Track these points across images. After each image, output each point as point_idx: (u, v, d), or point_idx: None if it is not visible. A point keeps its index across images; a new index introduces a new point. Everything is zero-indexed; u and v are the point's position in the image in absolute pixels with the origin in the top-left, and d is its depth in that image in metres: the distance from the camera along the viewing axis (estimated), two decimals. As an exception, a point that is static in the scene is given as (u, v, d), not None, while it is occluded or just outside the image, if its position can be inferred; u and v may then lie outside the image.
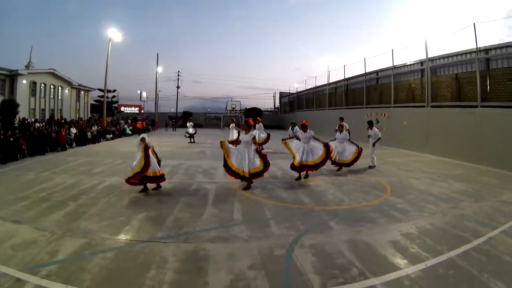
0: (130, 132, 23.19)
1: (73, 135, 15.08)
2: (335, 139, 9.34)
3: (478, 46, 12.22)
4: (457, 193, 6.70)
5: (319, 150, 7.62)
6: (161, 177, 6.48)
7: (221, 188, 6.86)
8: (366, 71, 20.39)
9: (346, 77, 23.07)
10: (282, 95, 43.21)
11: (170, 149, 13.75)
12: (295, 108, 35.20)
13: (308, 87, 31.30)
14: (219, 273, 3.11)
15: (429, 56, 14.86)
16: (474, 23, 12.00)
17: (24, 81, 22.94)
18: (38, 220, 4.55)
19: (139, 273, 3.07)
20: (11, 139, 10.54)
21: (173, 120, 34.72)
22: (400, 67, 17.37)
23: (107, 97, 26.93)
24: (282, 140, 8.00)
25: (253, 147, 6.87)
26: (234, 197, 6.08)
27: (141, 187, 6.33)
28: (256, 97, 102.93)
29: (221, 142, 6.80)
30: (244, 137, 6.82)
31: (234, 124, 15.21)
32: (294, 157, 7.65)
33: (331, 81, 25.71)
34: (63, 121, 19.04)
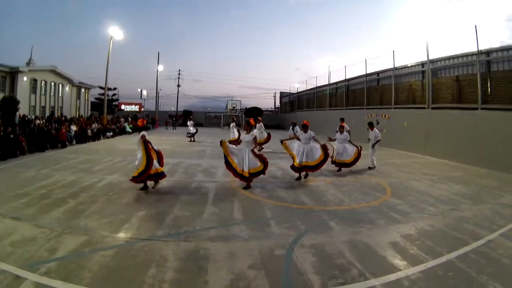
0: (130, 130, 23.18)
1: (73, 132, 15.07)
2: (335, 139, 9.36)
3: (479, 49, 12.21)
4: (457, 195, 6.70)
5: (318, 151, 7.63)
6: (162, 174, 6.50)
7: (221, 187, 6.87)
8: (367, 72, 20.39)
9: (346, 78, 23.06)
10: (282, 95, 43.19)
11: (170, 148, 13.74)
12: (296, 108, 35.19)
13: (309, 87, 31.33)
14: (219, 272, 3.11)
15: (430, 58, 14.86)
16: (475, 26, 12.02)
17: (25, 78, 22.91)
18: (37, 217, 4.55)
19: (139, 272, 3.06)
20: (11, 135, 10.53)
21: (174, 119, 34.71)
22: (401, 68, 17.36)
23: (108, 95, 26.89)
24: (281, 141, 7.99)
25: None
26: (234, 196, 6.08)
27: (141, 185, 6.34)
28: (256, 96, 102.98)
29: (221, 141, 6.78)
30: (245, 137, 6.82)
31: (234, 123, 15.23)
32: (294, 158, 7.66)
33: (331, 81, 25.74)
34: (63, 118, 19.04)
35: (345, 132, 9.34)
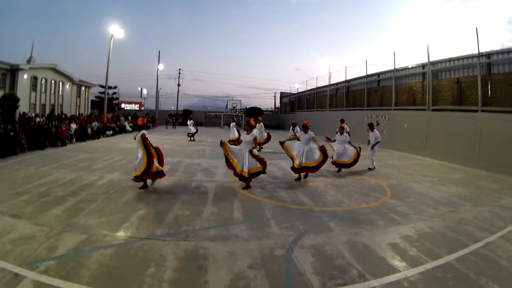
0: (130, 129, 23.18)
1: (73, 130, 15.06)
2: (335, 140, 9.37)
3: (480, 51, 12.22)
4: (457, 197, 6.71)
5: (317, 152, 7.63)
6: (161, 173, 6.51)
7: (220, 187, 6.86)
8: (368, 73, 20.42)
9: (347, 79, 23.08)
10: (282, 95, 43.22)
11: (170, 147, 13.74)
12: (296, 109, 35.21)
13: (309, 87, 31.35)
14: (219, 272, 3.11)
15: (430, 60, 14.88)
16: (476, 28, 12.04)
17: (25, 76, 22.87)
18: (37, 215, 4.54)
19: (138, 271, 3.06)
20: (11, 133, 10.52)
21: (173, 118, 34.71)
22: (402, 70, 17.40)
23: (108, 94, 26.88)
24: (281, 143, 7.97)
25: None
26: (234, 196, 6.08)
27: (141, 183, 6.34)
28: (256, 96, 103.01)
29: (221, 142, 6.74)
30: (245, 137, 6.81)
31: (234, 123, 15.27)
32: (294, 159, 7.66)
33: (332, 82, 25.75)
34: (63, 116, 19.03)
35: (345, 133, 9.34)
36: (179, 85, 42.83)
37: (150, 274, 3.01)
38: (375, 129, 10.24)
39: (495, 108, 11.42)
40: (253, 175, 6.69)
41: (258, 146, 11.85)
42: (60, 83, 27.95)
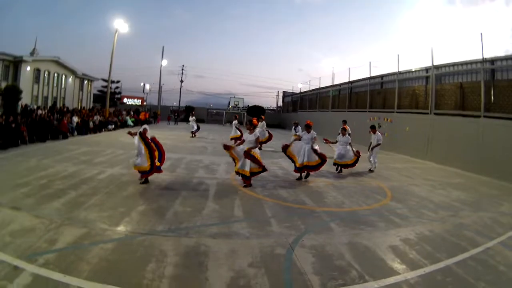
0: (132, 124, 23.18)
1: (75, 123, 15.06)
2: (336, 142, 9.37)
3: (484, 56, 12.18)
4: (457, 202, 6.71)
5: (316, 154, 7.63)
6: (158, 168, 6.50)
7: (222, 184, 6.87)
8: (371, 75, 20.37)
9: (350, 80, 23.03)
10: (285, 94, 43.17)
11: (172, 143, 13.73)
12: (298, 108, 35.15)
13: (312, 87, 31.28)
14: (219, 269, 3.11)
15: (434, 64, 14.84)
16: (481, 33, 11.99)
17: (28, 68, 22.88)
18: (37, 207, 4.53)
19: (139, 266, 3.06)
20: (13, 125, 10.53)
21: (175, 114, 34.68)
22: (405, 72, 17.34)
23: (111, 88, 26.83)
24: (284, 150, 7.92)
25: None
26: (235, 194, 6.08)
27: (141, 178, 6.36)
28: (258, 95, 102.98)
29: (227, 147, 6.76)
30: (248, 136, 6.81)
31: (236, 121, 15.26)
32: (295, 161, 7.67)
33: (335, 83, 25.71)
34: (65, 109, 19.02)
35: (347, 135, 9.34)
36: (182, 81, 42.78)
37: (151, 269, 3.01)
38: (377, 132, 10.23)
39: (497, 114, 11.37)
40: (254, 174, 6.70)
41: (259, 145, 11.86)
42: (63, 76, 27.96)
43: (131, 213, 4.57)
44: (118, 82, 43.05)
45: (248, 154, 6.50)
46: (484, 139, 11.02)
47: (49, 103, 24.59)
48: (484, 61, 12.24)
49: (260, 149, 7.17)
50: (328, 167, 8.36)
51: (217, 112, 42.35)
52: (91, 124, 16.82)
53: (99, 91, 38.76)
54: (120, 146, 11.47)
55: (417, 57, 22.88)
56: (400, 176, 9.54)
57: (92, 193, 5.41)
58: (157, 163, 6.40)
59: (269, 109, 45.20)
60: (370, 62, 20.38)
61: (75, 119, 15.45)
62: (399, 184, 8.18)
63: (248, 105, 40.65)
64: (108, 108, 22.37)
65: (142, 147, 6.20)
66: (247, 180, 6.66)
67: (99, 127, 17.59)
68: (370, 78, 20.42)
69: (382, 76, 19.68)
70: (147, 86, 42.36)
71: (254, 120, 7.23)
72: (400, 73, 17.45)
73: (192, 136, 17.41)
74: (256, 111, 33.79)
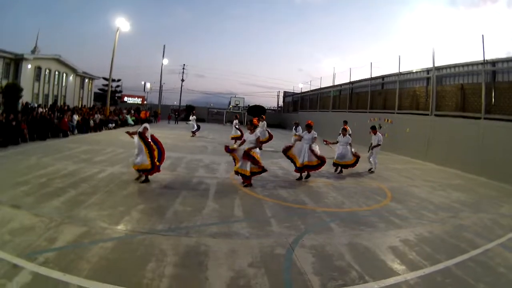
0: (132, 123, 23.17)
1: (75, 122, 15.05)
2: (337, 142, 9.37)
3: (485, 58, 12.17)
4: (457, 203, 6.71)
5: (314, 154, 7.63)
6: (158, 167, 6.49)
7: (222, 183, 6.87)
8: (372, 76, 20.36)
9: (351, 81, 23.02)
10: (286, 94, 43.12)
11: (172, 142, 13.73)
12: (299, 108, 35.15)
13: (313, 88, 31.26)
14: (219, 269, 3.11)
15: (435, 65, 14.83)
16: (482, 35, 11.98)
17: (29, 66, 22.89)
18: (37, 205, 4.53)
19: (139, 265, 3.06)
20: (13, 123, 10.52)
21: (176, 113, 34.68)
22: (406, 73, 17.34)
23: (111, 86, 26.82)
24: (285, 153, 7.90)
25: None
26: (235, 194, 6.08)
27: (142, 178, 6.36)
28: (259, 95, 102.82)
29: (229, 150, 6.76)
30: (248, 136, 6.80)
31: (237, 120, 15.28)
32: (295, 161, 7.67)
33: (336, 83, 25.69)
34: (66, 107, 19.02)
35: (347, 135, 9.34)
36: (182, 80, 42.71)
37: (151, 269, 3.01)
38: (378, 132, 10.22)
39: (498, 116, 11.37)
40: (254, 173, 6.70)
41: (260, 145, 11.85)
42: (64, 74, 27.97)
43: (131, 212, 4.56)
44: (119, 80, 43.03)
45: (247, 155, 6.50)
46: (485, 141, 11.02)
47: (50, 101, 24.62)
48: (485, 62, 12.23)
49: (260, 149, 7.16)
50: (328, 167, 8.36)
51: (217, 111, 42.32)
52: (91, 122, 16.80)
53: (99, 89, 38.73)
54: (121, 145, 11.46)
55: (418, 58, 22.96)
56: (400, 177, 9.54)
57: (92, 192, 5.40)
58: (157, 163, 6.41)
59: (269, 109, 45.14)
60: (371, 63, 20.41)
61: (76, 117, 15.44)
62: (399, 185, 8.18)
63: (248, 105, 40.64)
64: (108, 107, 22.36)
65: (143, 146, 6.21)
66: (247, 180, 6.66)
67: (100, 126, 17.57)
68: (371, 78, 20.41)
69: (383, 77, 19.68)
70: (148, 85, 42.34)
71: (255, 120, 7.22)
72: (401, 74, 17.44)
73: (193, 136, 17.42)
74: (256, 111, 33.75)
